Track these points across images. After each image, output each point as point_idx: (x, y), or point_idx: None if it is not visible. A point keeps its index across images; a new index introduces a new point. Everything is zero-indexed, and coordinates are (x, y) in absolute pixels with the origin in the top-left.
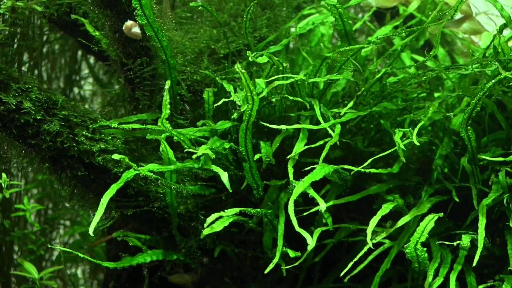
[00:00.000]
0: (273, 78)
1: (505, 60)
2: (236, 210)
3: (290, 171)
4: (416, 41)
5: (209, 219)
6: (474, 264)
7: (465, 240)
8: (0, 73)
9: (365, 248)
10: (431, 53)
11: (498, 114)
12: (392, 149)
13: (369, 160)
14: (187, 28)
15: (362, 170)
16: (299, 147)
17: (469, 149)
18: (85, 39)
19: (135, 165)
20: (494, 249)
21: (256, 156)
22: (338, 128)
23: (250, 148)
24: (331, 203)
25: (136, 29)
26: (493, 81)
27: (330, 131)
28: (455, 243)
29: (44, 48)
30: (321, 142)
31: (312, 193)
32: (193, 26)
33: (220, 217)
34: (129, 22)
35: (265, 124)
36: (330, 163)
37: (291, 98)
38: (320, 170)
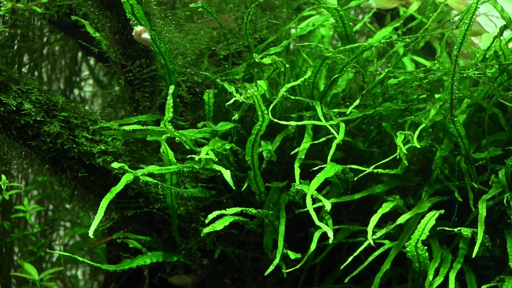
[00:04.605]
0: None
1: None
2: (238, 209)
3: (297, 171)
4: (417, 43)
5: (210, 216)
6: (473, 255)
7: (466, 231)
8: (0, 75)
9: (365, 244)
10: (435, 61)
11: (502, 120)
12: (394, 155)
13: (373, 166)
14: (187, 29)
15: (366, 170)
16: (305, 145)
17: (461, 145)
18: (85, 40)
19: (135, 171)
20: (494, 249)
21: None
22: (342, 127)
23: (256, 158)
24: (333, 200)
25: (146, 35)
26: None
27: (333, 131)
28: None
29: (44, 50)
30: (323, 139)
31: (315, 194)
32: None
33: (221, 215)
34: (139, 28)
35: (275, 120)
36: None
37: (292, 98)
38: (331, 168)
